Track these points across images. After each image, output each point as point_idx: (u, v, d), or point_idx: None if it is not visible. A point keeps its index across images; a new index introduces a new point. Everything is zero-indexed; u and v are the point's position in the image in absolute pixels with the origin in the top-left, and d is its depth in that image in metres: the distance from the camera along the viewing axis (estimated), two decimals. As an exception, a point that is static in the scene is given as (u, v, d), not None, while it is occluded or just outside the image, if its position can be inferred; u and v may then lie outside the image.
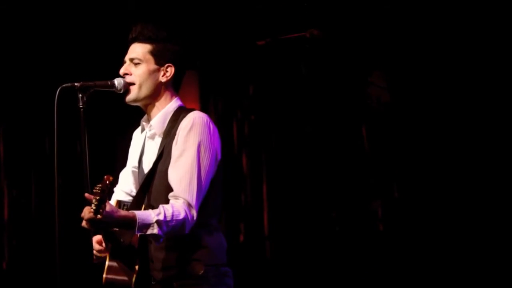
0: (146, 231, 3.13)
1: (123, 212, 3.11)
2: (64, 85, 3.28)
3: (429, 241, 5.49)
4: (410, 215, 5.61)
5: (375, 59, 5.78)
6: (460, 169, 5.39)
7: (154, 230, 3.12)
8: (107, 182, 2.94)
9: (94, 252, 3.34)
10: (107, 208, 3.02)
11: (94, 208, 2.96)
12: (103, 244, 3.32)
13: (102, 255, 3.32)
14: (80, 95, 3.26)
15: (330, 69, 5.86)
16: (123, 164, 3.68)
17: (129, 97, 3.39)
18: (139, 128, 3.54)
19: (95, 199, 2.95)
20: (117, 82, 3.36)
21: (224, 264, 3.35)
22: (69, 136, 4.38)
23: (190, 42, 3.64)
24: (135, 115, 3.61)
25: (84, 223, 3.08)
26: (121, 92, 3.38)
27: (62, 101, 3.28)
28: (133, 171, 3.57)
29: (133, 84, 3.37)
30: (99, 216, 2.98)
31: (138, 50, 3.39)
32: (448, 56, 5.42)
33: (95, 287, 3.32)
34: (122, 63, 3.43)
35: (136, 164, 3.53)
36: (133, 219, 3.10)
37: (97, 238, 3.36)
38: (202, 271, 3.27)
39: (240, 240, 6.29)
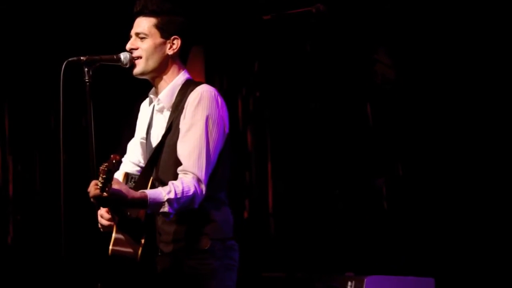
0: (157, 210, 3.16)
1: (136, 194, 3.12)
2: (69, 59, 3.28)
3: (433, 220, 5.49)
4: (414, 193, 5.62)
5: (380, 36, 5.76)
6: (465, 147, 5.38)
7: (165, 208, 3.15)
8: (114, 161, 2.94)
9: (102, 220, 3.34)
10: (122, 189, 3.05)
11: (100, 185, 2.97)
12: (104, 215, 3.33)
13: (109, 223, 3.33)
14: (86, 69, 3.26)
15: (335, 45, 5.84)
16: (128, 139, 3.68)
17: (136, 70, 3.39)
18: (147, 100, 3.54)
19: (102, 177, 2.96)
20: (123, 56, 3.36)
21: (230, 238, 3.37)
22: (75, 111, 4.36)
23: (195, 16, 3.61)
24: (141, 90, 3.60)
25: (91, 199, 3.09)
26: (127, 66, 3.38)
27: (68, 75, 3.28)
28: (141, 142, 3.58)
29: (140, 57, 3.37)
30: (105, 194, 2.99)
31: (143, 24, 3.38)
32: (454, 34, 5.40)
33: (100, 261, 3.32)
34: (127, 37, 3.42)
35: (144, 136, 3.54)
36: (144, 200, 3.11)
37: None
38: (208, 245, 3.29)
39: (245, 217, 6.30)
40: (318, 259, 5.84)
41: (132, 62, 3.38)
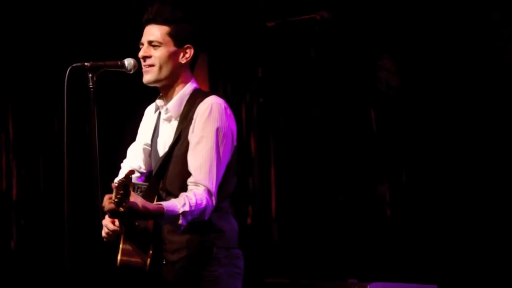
0: (172, 222, 3.17)
1: (152, 207, 3.11)
2: (74, 65, 3.27)
3: (436, 226, 5.49)
4: (418, 200, 5.61)
5: (385, 43, 5.77)
6: (469, 154, 5.38)
7: (179, 221, 3.15)
8: (130, 176, 2.95)
9: (107, 230, 3.34)
10: (138, 202, 3.03)
11: (116, 200, 2.96)
12: (116, 223, 3.32)
13: (114, 230, 3.32)
14: (90, 74, 3.25)
15: (339, 52, 5.84)
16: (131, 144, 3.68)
17: (149, 78, 3.38)
18: (153, 105, 3.53)
19: (118, 192, 2.94)
20: (127, 62, 3.35)
21: (235, 247, 3.38)
22: (78, 116, 4.36)
23: (204, 24, 3.62)
24: (145, 95, 3.61)
25: (107, 214, 3.09)
26: (131, 72, 3.37)
27: (72, 81, 3.28)
28: (144, 149, 3.57)
29: (153, 65, 3.36)
30: (121, 209, 2.98)
31: (156, 32, 3.36)
32: (459, 40, 5.40)
33: (103, 267, 3.33)
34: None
35: (149, 142, 3.53)
36: (161, 212, 3.11)
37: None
38: (213, 253, 3.30)
39: (248, 223, 6.30)
40: (321, 265, 5.83)
41: (137, 68, 3.37)
